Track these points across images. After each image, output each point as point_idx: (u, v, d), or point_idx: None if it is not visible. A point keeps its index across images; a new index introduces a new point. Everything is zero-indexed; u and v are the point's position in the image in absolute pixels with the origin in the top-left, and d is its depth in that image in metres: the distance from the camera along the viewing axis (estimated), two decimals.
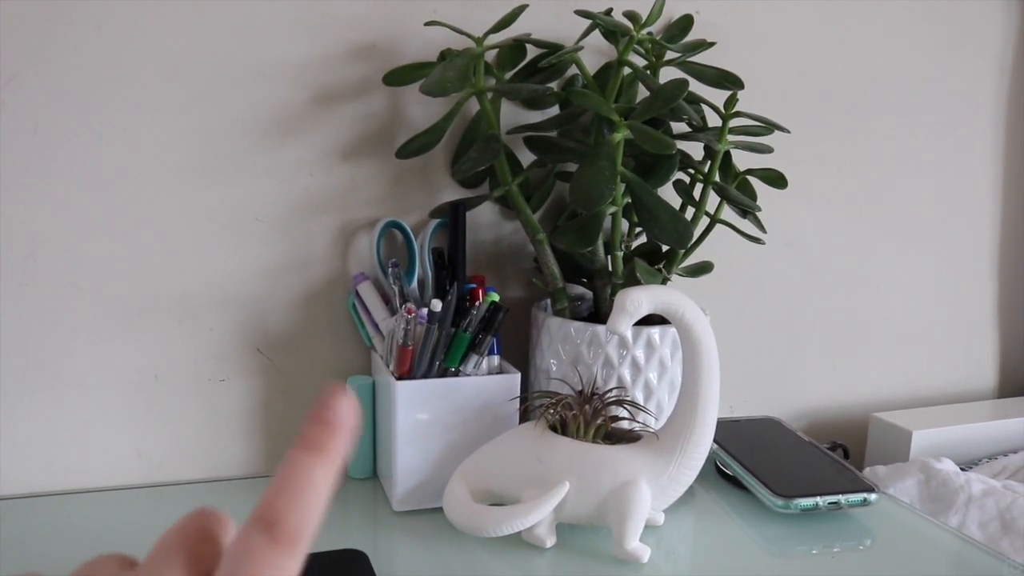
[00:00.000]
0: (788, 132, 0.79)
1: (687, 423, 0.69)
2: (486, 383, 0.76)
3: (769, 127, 0.79)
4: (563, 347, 0.79)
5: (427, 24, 0.79)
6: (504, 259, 0.89)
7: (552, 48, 0.79)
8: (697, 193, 0.82)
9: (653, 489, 0.69)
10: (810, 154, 1.01)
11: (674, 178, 0.83)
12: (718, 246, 0.85)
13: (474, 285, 0.80)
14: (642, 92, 0.85)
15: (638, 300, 0.66)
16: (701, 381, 0.69)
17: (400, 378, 0.74)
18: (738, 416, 0.98)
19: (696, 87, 0.79)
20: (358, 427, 0.27)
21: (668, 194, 0.86)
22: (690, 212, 0.81)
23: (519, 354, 0.88)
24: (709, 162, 0.80)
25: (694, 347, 0.69)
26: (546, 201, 0.87)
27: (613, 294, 0.78)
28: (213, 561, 0.26)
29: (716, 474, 0.87)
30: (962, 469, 0.92)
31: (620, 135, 0.71)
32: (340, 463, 0.26)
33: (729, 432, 0.90)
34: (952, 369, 1.17)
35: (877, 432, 1.04)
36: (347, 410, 0.26)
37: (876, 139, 1.05)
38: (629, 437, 0.73)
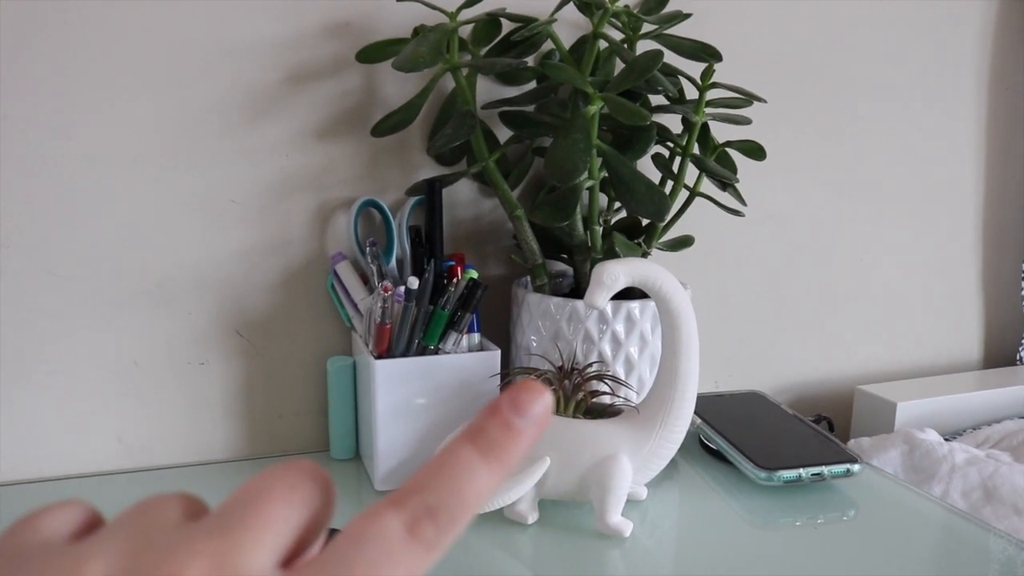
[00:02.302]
0: (765, 102, 0.79)
1: (667, 397, 0.69)
2: (466, 360, 0.76)
3: (747, 99, 0.78)
4: (543, 323, 0.78)
5: (399, 0, 0.78)
6: (484, 236, 0.89)
7: (526, 22, 0.78)
8: (676, 167, 0.81)
9: (634, 463, 0.69)
10: (792, 127, 1.01)
11: (653, 151, 0.83)
12: (700, 220, 0.85)
13: (453, 263, 0.79)
14: (620, 67, 0.84)
15: (615, 273, 0.66)
16: (680, 354, 0.69)
17: (379, 357, 0.74)
18: (722, 391, 0.98)
19: (674, 59, 0.79)
20: (544, 432, 0.23)
21: (647, 167, 0.85)
22: (669, 186, 0.81)
23: (501, 331, 0.87)
24: (687, 135, 0.80)
25: (673, 319, 0.69)
26: (525, 177, 0.86)
27: (592, 269, 0.78)
28: (310, 534, 0.22)
29: (700, 448, 0.87)
30: (946, 439, 0.92)
31: (595, 107, 0.71)
32: (510, 473, 0.22)
33: (713, 406, 0.90)
34: (937, 341, 1.17)
35: (862, 405, 1.04)
36: (541, 413, 0.22)
37: (858, 111, 1.05)
38: (610, 412, 0.73)
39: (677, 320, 0.69)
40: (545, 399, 0.23)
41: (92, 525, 0.22)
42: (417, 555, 0.21)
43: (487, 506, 0.67)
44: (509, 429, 0.22)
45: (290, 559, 0.21)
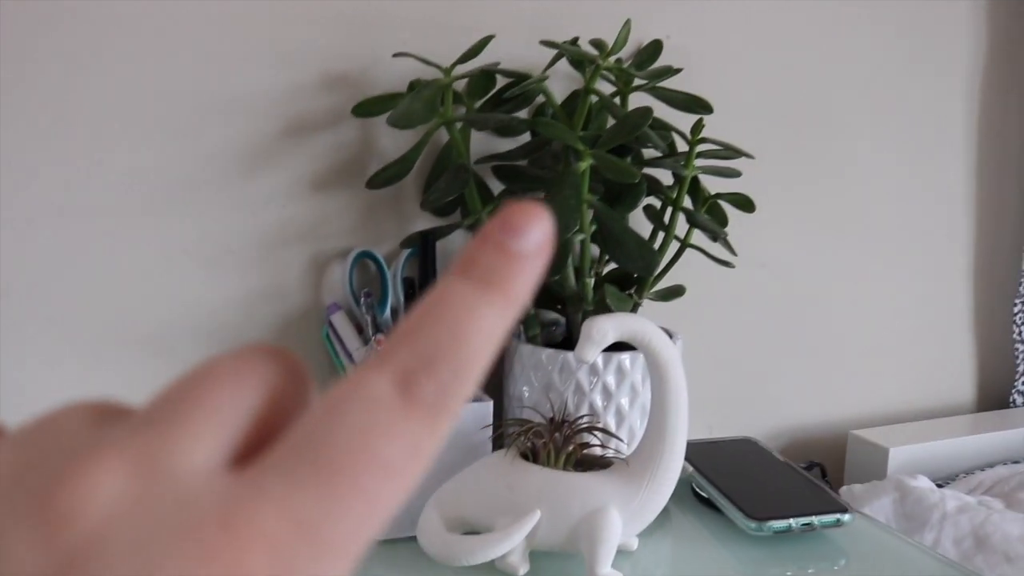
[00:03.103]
0: (752, 157, 0.80)
1: (656, 449, 0.69)
2: None
3: (734, 152, 0.80)
4: (535, 374, 0.79)
5: (395, 56, 0.80)
6: None
7: (520, 77, 0.79)
8: (667, 218, 0.82)
9: (624, 515, 0.69)
10: (782, 175, 1.02)
11: (645, 203, 0.84)
12: (692, 268, 0.86)
13: None
14: (612, 121, 0.86)
15: (604, 329, 0.67)
16: (669, 407, 0.69)
17: None
18: (715, 436, 0.98)
19: (667, 111, 0.80)
20: (548, 260, 0.18)
21: (639, 218, 0.86)
22: (661, 237, 0.82)
23: (493, 382, 0.88)
24: (678, 187, 0.81)
25: (661, 373, 0.69)
26: None
27: (584, 320, 0.79)
28: (275, 422, 0.17)
29: (692, 496, 0.88)
30: (939, 485, 0.93)
31: (585, 164, 0.72)
32: (517, 312, 0.18)
33: (705, 453, 0.91)
34: (930, 384, 1.17)
35: (855, 450, 1.05)
36: (540, 234, 0.18)
37: (848, 158, 1.06)
38: (601, 463, 0.73)
39: (666, 374, 0.69)
40: (542, 218, 0.18)
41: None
42: (418, 421, 0.16)
43: (471, 559, 0.68)
44: (504, 252, 0.18)
45: (250, 453, 0.17)
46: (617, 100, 0.84)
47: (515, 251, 0.18)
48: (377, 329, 0.79)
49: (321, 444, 0.15)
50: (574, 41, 0.83)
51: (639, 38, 0.91)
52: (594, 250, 0.85)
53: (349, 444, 0.16)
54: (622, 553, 0.74)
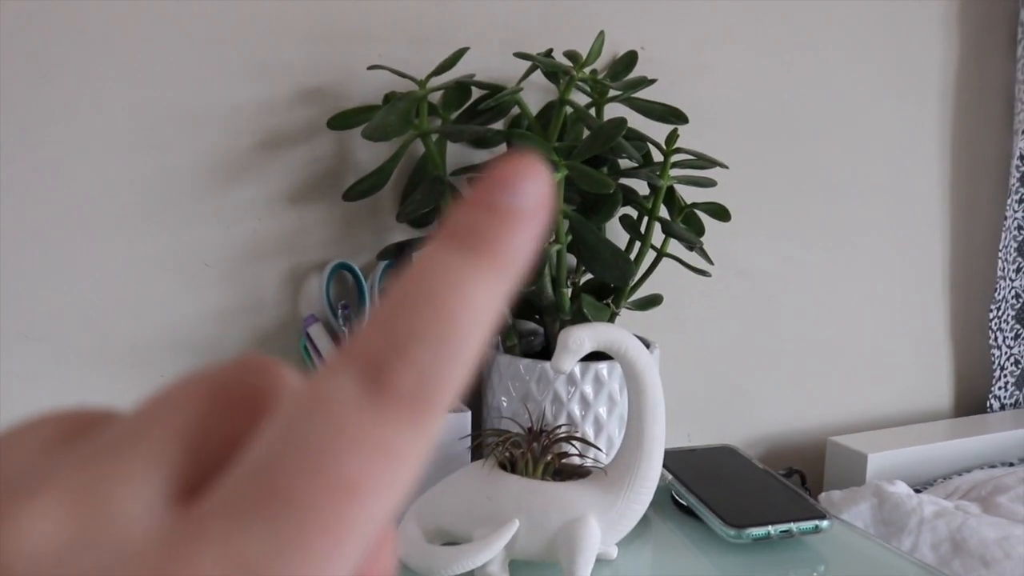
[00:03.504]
0: (726, 167, 0.81)
1: (634, 458, 0.70)
2: None
3: (708, 163, 0.80)
4: (513, 384, 0.79)
5: (370, 68, 0.80)
6: None
7: (494, 89, 0.80)
8: (643, 228, 0.83)
9: (602, 524, 0.70)
10: (760, 184, 1.03)
11: (621, 213, 0.84)
12: (669, 278, 0.87)
13: None
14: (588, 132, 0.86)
15: (580, 339, 0.67)
16: (646, 416, 0.70)
17: None
18: (695, 445, 0.99)
19: (642, 122, 0.81)
20: (545, 220, 0.15)
21: (615, 228, 0.87)
22: (637, 246, 0.83)
23: (471, 392, 0.88)
24: (653, 197, 0.82)
25: (638, 383, 0.70)
26: None
27: (560, 331, 0.79)
28: (234, 438, 0.15)
29: (672, 504, 0.88)
30: (916, 491, 0.93)
31: (559, 175, 0.72)
32: (512, 281, 0.15)
33: (684, 461, 0.91)
34: (908, 390, 1.18)
35: (834, 456, 1.05)
36: (536, 189, 0.15)
37: (823, 167, 1.07)
38: (579, 473, 0.73)
39: (642, 383, 0.70)
40: (538, 172, 0.15)
41: None
42: (392, 422, 0.13)
43: (450, 570, 0.68)
44: (494, 211, 0.15)
45: (205, 480, 0.15)
46: (592, 111, 0.84)
47: (507, 209, 0.15)
48: None
49: (271, 469, 0.13)
50: (548, 53, 0.84)
51: (614, 50, 0.92)
52: (571, 260, 0.85)
53: (303, 465, 0.13)
54: (602, 562, 0.75)
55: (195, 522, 0.13)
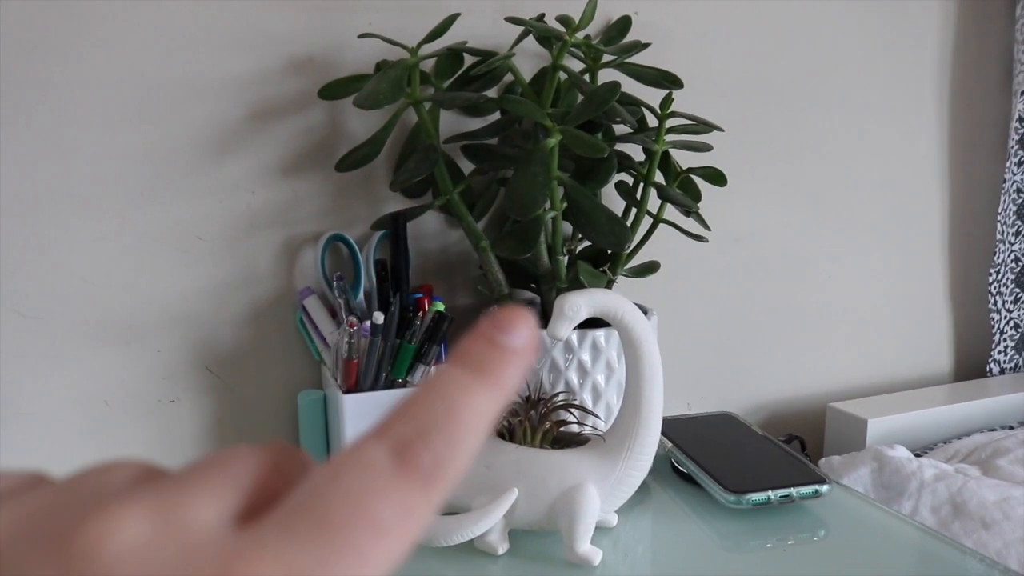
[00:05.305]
0: (722, 130, 0.80)
1: (632, 425, 0.69)
2: None
3: (704, 126, 0.79)
4: None
5: (361, 36, 0.79)
6: (451, 267, 0.90)
7: (487, 55, 0.79)
8: (639, 194, 0.82)
9: (601, 491, 0.69)
10: (756, 149, 1.02)
11: (616, 179, 0.83)
12: (666, 244, 0.86)
13: (421, 295, 0.80)
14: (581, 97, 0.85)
15: (576, 304, 0.66)
16: (644, 382, 0.69)
17: (347, 391, 0.74)
18: (694, 412, 0.99)
19: (636, 87, 0.80)
20: (535, 361, 0.21)
21: (611, 194, 0.86)
22: (633, 213, 0.82)
23: None
24: (649, 163, 0.81)
25: (635, 349, 0.69)
26: (491, 208, 0.87)
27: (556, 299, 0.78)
28: (276, 489, 0.19)
29: (672, 472, 0.88)
30: (916, 455, 0.93)
31: (553, 140, 0.72)
32: (506, 401, 0.20)
33: (684, 429, 0.91)
34: (907, 355, 1.18)
35: (833, 422, 1.05)
36: (525, 335, 0.20)
37: (822, 132, 1.06)
38: (577, 440, 0.73)
39: (640, 349, 0.69)
40: (528, 321, 0.20)
41: None
42: (410, 487, 0.18)
43: (450, 540, 0.67)
44: (496, 346, 0.20)
45: (256, 513, 0.18)
46: (586, 77, 0.83)
47: (505, 345, 0.20)
48: (350, 312, 0.79)
49: (319, 504, 0.17)
50: (540, 18, 0.82)
51: (607, 14, 0.90)
52: (567, 228, 0.85)
53: (345, 505, 0.17)
54: (602, 529, 0.74)
55: (255, 536, 0.17)
